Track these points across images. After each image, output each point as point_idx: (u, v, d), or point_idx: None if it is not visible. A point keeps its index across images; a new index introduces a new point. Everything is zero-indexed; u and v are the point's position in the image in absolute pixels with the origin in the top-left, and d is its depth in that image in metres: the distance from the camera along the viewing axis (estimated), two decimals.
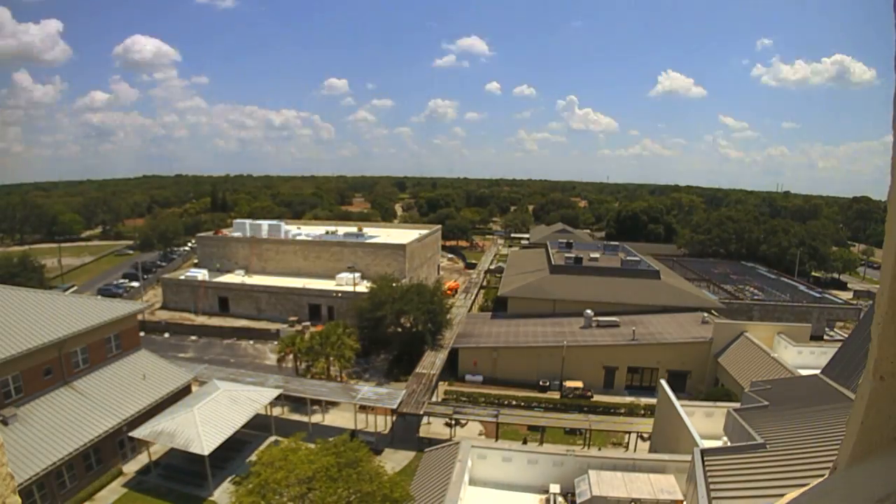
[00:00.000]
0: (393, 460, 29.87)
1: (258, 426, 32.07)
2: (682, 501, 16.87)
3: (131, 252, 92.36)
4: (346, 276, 56.96)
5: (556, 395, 38.78)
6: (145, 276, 67.45)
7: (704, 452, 14.29)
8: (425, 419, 34.04)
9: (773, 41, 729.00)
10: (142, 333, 37.39)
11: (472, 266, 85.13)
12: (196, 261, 72.42)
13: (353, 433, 31.36)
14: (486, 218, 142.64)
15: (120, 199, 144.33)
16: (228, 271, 64.21)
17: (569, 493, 19.07)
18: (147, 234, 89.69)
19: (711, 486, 12.52)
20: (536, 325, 45.89)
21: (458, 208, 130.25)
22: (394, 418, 33.39)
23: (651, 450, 28.09)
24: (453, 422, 33.66)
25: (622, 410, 35.92)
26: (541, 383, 40.16)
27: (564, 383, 39.55)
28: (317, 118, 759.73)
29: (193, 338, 51.30)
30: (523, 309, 50.44)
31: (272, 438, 31.29)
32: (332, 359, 37.99)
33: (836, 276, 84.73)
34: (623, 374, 40.80)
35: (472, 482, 19.54)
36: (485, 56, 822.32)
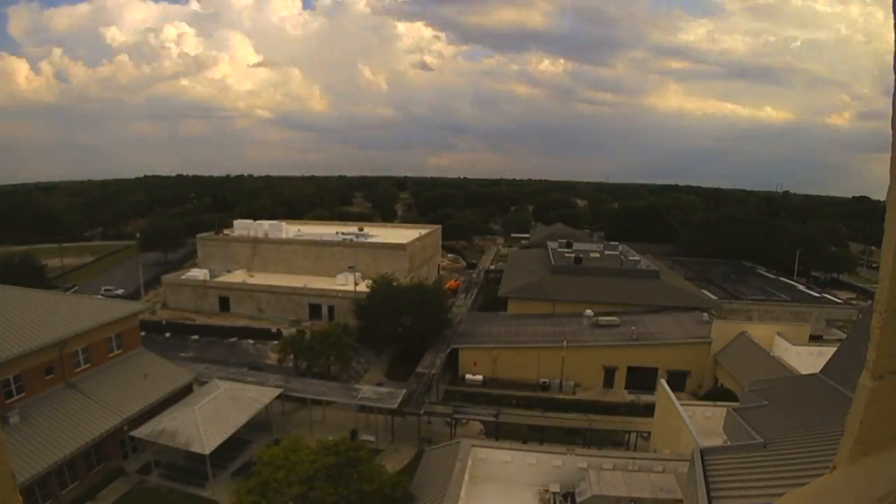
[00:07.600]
0: (393, 460, 29.86)
1: (259, 425, 32.10)
2: (681, 501, 16.90)
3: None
4: (346, 275, 56.98)
5: (557, 395, 38.74)
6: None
7: (704, 452, 14.29)
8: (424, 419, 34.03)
9: None
10: (143, 333, 37.37)
11: (472, 266, 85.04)
12: (197, 260, 72.40)
13: (354, 433, 31.43)
14: (487, 218, 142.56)
15: (120, 198, 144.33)
16: (229, 271, 64.22)
17: (569, 493, 19.11)
18: (148, 233, 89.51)
19: (711, 486, 12.53)
20: (536, 325, 45.84)
21: (458, 208, 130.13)
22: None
23: (651, 449, 28.11)
24: (453, 421, 33.68)
25: (622, 410, 35.92)
26: (542, 382, 40.15)
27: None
28: None
29: (194, 337, 51.30)
30: (523, 309, 50.41)
31: (273, 438, 31.30)
32: (332, 358, 38.08)
33: (835, 275, 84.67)
34: (623, 373, 40.78)
35: (473, 481, 19.56)
36: None
